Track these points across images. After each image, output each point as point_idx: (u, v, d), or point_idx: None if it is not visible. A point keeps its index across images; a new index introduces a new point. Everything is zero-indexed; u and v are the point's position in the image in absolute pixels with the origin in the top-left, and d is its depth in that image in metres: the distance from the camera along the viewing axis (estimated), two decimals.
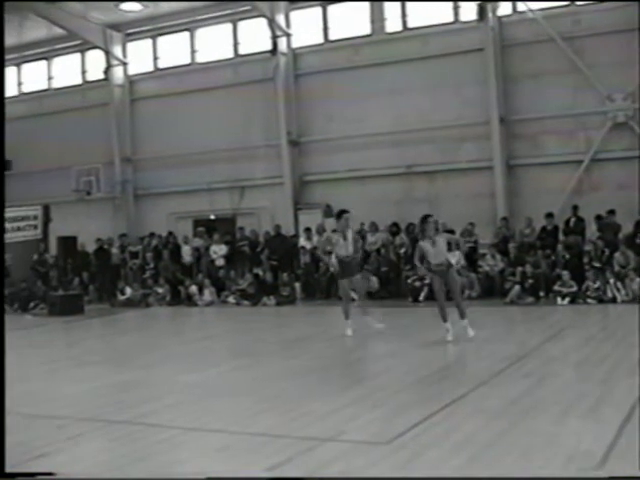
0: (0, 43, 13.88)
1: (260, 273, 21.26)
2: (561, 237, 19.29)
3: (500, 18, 21.21)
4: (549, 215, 19.44)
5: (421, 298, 18.55)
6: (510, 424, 6.98)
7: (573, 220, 19.25)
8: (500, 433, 6.69)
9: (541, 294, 17.69)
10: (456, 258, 19.13)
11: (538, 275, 17.91)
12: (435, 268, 12.09)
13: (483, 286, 18.82)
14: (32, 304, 22.25)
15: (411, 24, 22.43)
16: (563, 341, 12.03)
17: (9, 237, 22.93)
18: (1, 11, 6.10)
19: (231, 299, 20.92)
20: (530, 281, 17.79)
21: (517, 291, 17.65)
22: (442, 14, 21.91)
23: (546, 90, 20.34)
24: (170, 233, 23.96)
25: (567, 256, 18.52)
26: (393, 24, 22.66)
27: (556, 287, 17.27)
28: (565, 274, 17.28)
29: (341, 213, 13.40)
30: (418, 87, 21.86)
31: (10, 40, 26.81)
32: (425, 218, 12.32)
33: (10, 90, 28.95)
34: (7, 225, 22.66)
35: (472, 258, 19.58)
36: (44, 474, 5.23)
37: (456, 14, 21.84)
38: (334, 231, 13.57)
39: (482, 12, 20.73)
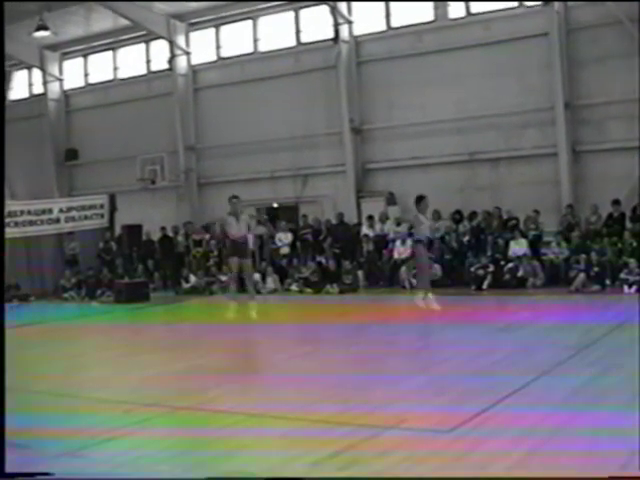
0: (0, 43, 14.03)
1: (323, 261, 21.33)
2: (628, 224, 18.94)
3: (566, 1, 20.81)
4: (616, 202, 19.08)
5: (484, 286, 18.43)
6: (573, 415, 6.91)
7: None
8: (562, 424, 6.63)
9: (607, 282, 17.42)
10: (522, 247, 18.99)
11: (604, 263, 17.64)
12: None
13: (548, 274, 18.59)
14: (99, 291, 22.66)
15: (474, 9, 22.17)
16: (629, 330, 11.80)
17: (77, 225, 23.45)
18: (1, 11, 6.19)
19: (294, 287, 21.04)
20: (596, 269, 17.52)
21: (582, 279, 17.40)
22: None
23: (613, 74, 19.92)
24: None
25: (634, 244, 18.18)
26: (456, 10, 22.42)
27: (622, 275, 17.00)
28: (632, 262, 16.98)
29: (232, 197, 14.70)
30: (481, 73, 21.59)
31: (77, 31, 27.34)
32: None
33: (77, 81, 29.51)
34: (75, 214, 23.17)
35: (536, 246, 19.35)
36: (43, 474, 5.37)
37: None
38: (229, 214, 14.56)
39: None
